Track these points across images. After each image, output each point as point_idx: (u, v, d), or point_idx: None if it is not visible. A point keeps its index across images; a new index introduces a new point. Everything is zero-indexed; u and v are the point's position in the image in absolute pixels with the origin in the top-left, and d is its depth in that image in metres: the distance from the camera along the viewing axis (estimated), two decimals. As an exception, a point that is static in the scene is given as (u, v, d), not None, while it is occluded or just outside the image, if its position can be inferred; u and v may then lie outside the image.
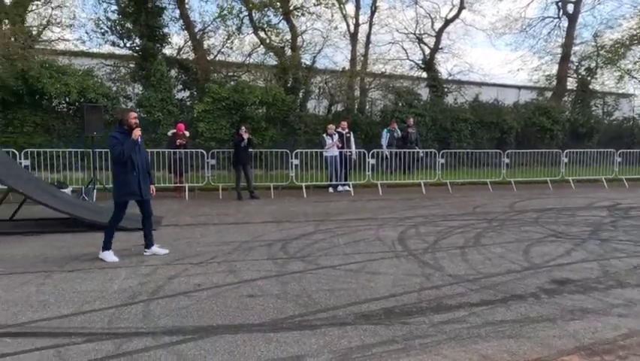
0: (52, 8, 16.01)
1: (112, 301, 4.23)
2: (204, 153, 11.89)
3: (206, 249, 6.25)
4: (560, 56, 21.23)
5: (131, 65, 15.86)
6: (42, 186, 8.29)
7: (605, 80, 21.64)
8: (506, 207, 9.93)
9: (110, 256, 5.61)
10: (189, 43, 17.06)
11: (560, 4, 21.38)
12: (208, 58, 16.96)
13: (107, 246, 5.65)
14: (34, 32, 15.19)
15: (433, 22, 20.29)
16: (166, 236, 6.83)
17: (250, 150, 11.47)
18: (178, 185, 11.46)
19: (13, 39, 13.18)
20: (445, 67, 26.15)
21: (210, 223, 8.18)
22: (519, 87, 25.14)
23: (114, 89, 15.05)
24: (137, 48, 15.49)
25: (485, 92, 19.96)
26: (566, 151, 14.12)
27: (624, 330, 3.68)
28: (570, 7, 20.98)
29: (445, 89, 19.59)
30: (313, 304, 4.26)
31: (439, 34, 20.11)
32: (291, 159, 12.38)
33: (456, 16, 20.06)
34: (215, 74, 16.75)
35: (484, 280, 4.89)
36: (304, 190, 12.15)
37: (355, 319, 3.93)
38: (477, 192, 12.62)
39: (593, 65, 21.20)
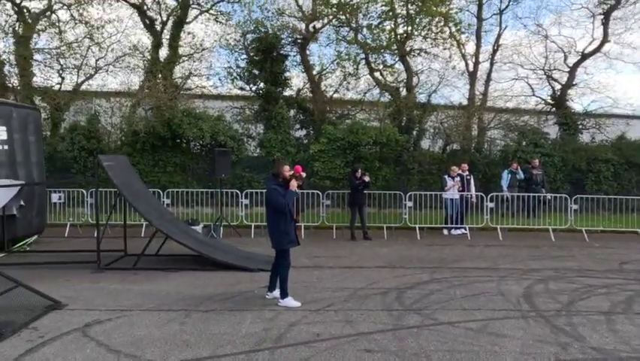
0: (194, 61, 18.15)
1: (241, 347, 4.50)
2: (319, 193, 12.33)
3: (323, 295, 6.38)
4: None
5: (255, 107, 17.14)
6: (180, 226, 9.32)
7: None
8: (660, 265, 8.67)
9: (291, 301, 5.89)
10: (308, 85, 18.02)
11: None
12: (324, 98, 17.71)
13: (285, 293, 5.93)
14: (179, 84, 17.29)
15: (566, 57, 18.80)
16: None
17: (365, 191, 11.63)
18: (297, 224, 11.97)
19: (163, 90, 15.13)
20: (580, 102, 23.84)
21: (325, 266, 8.35)
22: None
23: (240, 130, 16.39)
24: (260, 92, 16.74)
25: (635, 127, 17.75)
26: None
27: None
28: None
29: (580, 126, 17.92)
30: (430, 367, 4.10)
31: (572, 69, 18.46)
32: (405, 200, 12.26)
33: (597, 50, 18.32)
34: (331, 114, 17.42)
35: None
36: (417, 232, 11.89)
37: (480, 390, 3.69)
38: (622, 242, 11.15)
39: None
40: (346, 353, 4.35)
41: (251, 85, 17.17)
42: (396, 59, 17.48)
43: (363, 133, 15.02)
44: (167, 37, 17.19)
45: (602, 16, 17.91)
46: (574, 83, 18.47)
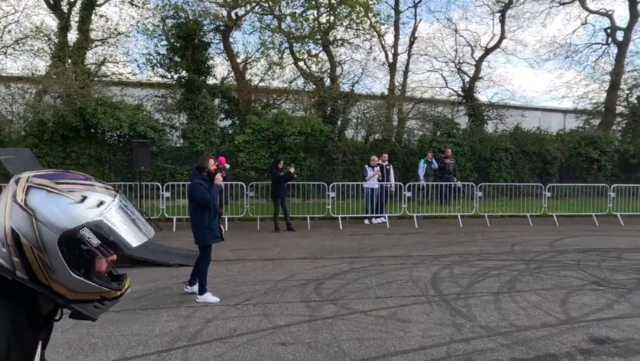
0: (109, 47, 17.19)
1: (153, 347, 4.49)
2: (244, 184, 12.34)
3: (243, 289, 6.48)
4: (608, 84, 20.57)
5: (178, 96, 16.65)
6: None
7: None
8: (546, 246, 9.69)
9: (210, 297, 5.88)
10: (232, 73, 17.79)
11: (608, 31, 20.81)
12: (250, 87, 17.60)
13: (203, 289, 5.90)
14: (91, 70, 16.30)
15: (473, 51, 20.26)
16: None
17: (290, 182, 11.83)
18: (221, 217, 11.90)
19: (74, 77, 14.21)
20: (485, 94, 25.79)
21: (248, 259, 8.45)
22: (564, 111, 24.48)
23: (161, 120, 15.85)
24: (183, 81, 16.29)
25: (528, 119, 19.56)
26: (613, 185, 13.61)
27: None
28: (620, 35, 20.38)
29: (485, 117, 19.40)
30: (343, 356, 4.36)
31: (478, 63, 20.03)
32: (328, 191, 12.60)
33: (496, 46, 19.93)
34: (256, 103, 17.37)
35: (516, 334, 4.85)
36: (340, 222, 12.29)
37: (383, 374, 4.01)
38: (517, 226, 12.33)
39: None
40: (261, 348, 4.50)
41: (172, 73, 16.64)
42: (320, 48, 17.75)
43: (288, 123, 15.14)
44: (76, 19, 16.11)
45: (500, 14, 19.43)
46: (480, 76, 19.94)
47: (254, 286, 6.59)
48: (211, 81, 17.18)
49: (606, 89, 20.60)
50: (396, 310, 5.61)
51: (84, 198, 1.13)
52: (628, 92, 20.69)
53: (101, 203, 1.14)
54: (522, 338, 4.77)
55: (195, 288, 6.09)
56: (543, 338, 4.77)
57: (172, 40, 16.26)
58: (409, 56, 19.51)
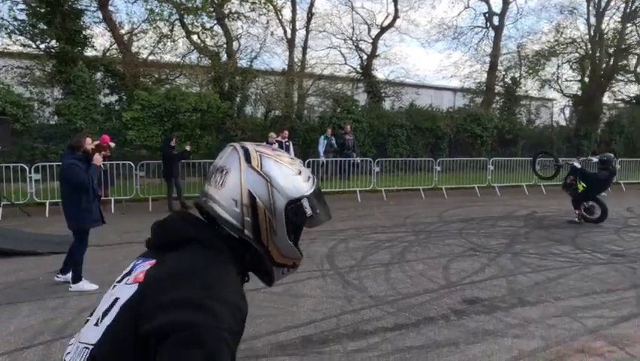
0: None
1: (4, 346, 3.95)
2: (132, 164, 11.48)
3: (127, 274, 6.00)
4: (488, 65, 22.30)
5: (48, 69, 14.85)
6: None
7: (529, 90, 23.04)
8: (435, 217, 10.29)
9: (86, 285, 5.40)
10: (115, 45, 16.28)
11: (487, 15, 22.47)
12: (137, 60, 16.22)
13: (78, 277, 5.41)
14: None
15: (369, 29, 20.72)
16: (85, 260, 6.49)
17: (189, 160, 11.28)
18: (103, 198, 10.96)
19: None
20: (383, 72, 26.90)
21: (135, 242, 7.84)
22: (454, 90, 26.13)
23: (27, 95, 14.05)
24: (52, 51, 14.54)
25: (422, 97, 20.54)
26: (492, 159, 14.84)
27: (515, 352, 3.92)
28: (496, 19, 22.11)
29: (383, 94, 20.05)
30: (231, 336, 4.21)
31: (375, 41, 20.55)
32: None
33: (391, 25, 20.57)
34: (146, 78, 16.16)
35: (401, 302, 5.04)
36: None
37: (272, 350, 3.93)
38: (410, 199, 12.95)
39: (518, 74, 22.47)
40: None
41: (38, 42, 14.74)
42: (214, 22, 16.96)
43: (181, 99, 14.32)
44: None
45: (392, -7, 20.13)
46: (376, 53, 20.56)
47: (140, 271, 6.14)
48: (90, 53, 15.58)
49: (486, 69, 22.32)
50: (290, 286, 5.55)
51: (300, 171, 1.22)
52: (504, 73, 22.63)
53: (309, 178, 1.23)
54: (406, 304, 4.97)
55: (69, 276, 5.52)
56: (425, 303, 5.02)
57: (34, 5, 14.34)
58: (307, 32, 19.42)
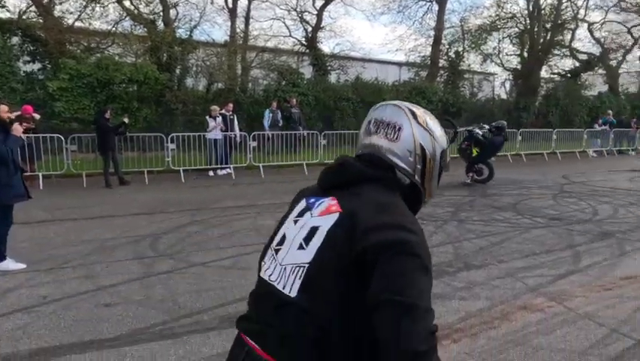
0: None
1: None
2: (62, 137, 10.66)
3: (60, 251, 5.57)
4: (432, 38, 22.60)
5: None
6: None
7: (471, 64, 23.68)
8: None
9: (11, 264, 4.97)
10: (33, 8, 14.81)
11: (431, -12, 22.65)
12: (61, 26, 14.86)
13: (2, 256, 4.96)
14: None
15: (314, 0, 20.28)
16: (10, 239, 5.92)
17: (119, 134, 10.62)
18: (30, 173, 10.14)
19: None
20: (328, 45, 26.59)
21: (68, 219, 7.34)
22: (399, 64, 26.37)
23: None
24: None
25: (368, 70, 20.55)
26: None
27: (462, 313, 3.99)
28: (439, -7, 22.35)
29: (329, 67, 19.85)
30: (178, 310, 4.00)
31: (320, 12, 20.16)
32: (167, 142, 11.63)
33: (336, -5, 20.25)
34: (73, 45, 14.93)
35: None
36: (182, 175, 11.53)
37: (220, 323, 3.77)
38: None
39: (461, 48, 22.98)
40: (79, 312, 3.89)
41: None
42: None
43: (115, 70, 13.45)
44: None
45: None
46: (321, 25, 20.24)
47: (74, 248, 5.73)
48: (3, 14, 14.16)
49: (431, 43, 22.64)
50: (238, 259, 5.38)
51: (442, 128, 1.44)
52: (448, 47, 23.07)
53: (442, 135, 1.43)
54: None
55: (6, 263, 5.02)
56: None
57: None
58: (250, 1, 18.74)
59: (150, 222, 7.15)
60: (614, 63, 25.70)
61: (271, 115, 14.26)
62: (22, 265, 4.97)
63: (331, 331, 1.18)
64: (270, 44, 19.24)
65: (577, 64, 25.03)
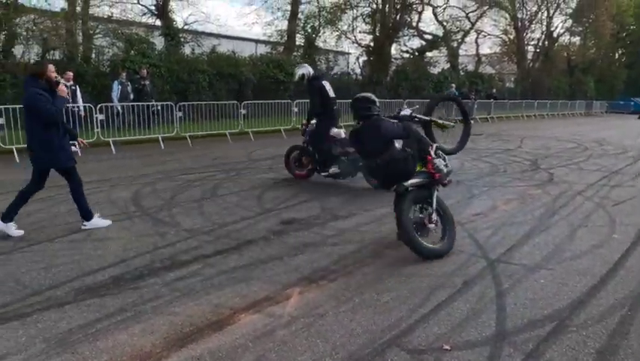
0: None
1: None
2: None
3: None
4: (289, 12, 22.83)
5: None
6: None
7: (327, 39, 24.65)
8: (244, 157, 10.36)
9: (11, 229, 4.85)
10: None
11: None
12: None
13: (10, 217, 4.86)
14: None
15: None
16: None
17: None
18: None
19: None
20: (181, 15, 25.19)
21: None
22: (256, 41, 26.20)
23: None
24: None
25: (224, 44, 20.09)
26: (295, 101, 15.52)
27: (335, 257, 4.30)
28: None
29: (182, 39, 18.89)
30: (22, 289, 3.61)
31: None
32: (-6, 117, 10.04)
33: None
34: None
35: (218, 231, 5.00)
36: (15, 154, 10.10)
37: (77, 295, 3.50)
38: (217, 144, 12.71)
39: (317, 24, 23.68)
40: None
41: None
42: None
43: None
44: None
45: None
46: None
47: None
48: None
49: (287, 17, 22.88)
50: (90, 232, 4.99)
51: None
52: (304, 22, 23.59)
53: None
54: (224, 232, 4.95)
55: (96, 220, 5.15)
56: (242, 229, 5.08)
57: None
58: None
59: (-22, 205, 6.18)
60: (454, 44, 29.60)
61: (120, 87, 13.13)
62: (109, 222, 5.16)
63: None
64: (115, 11, 17.56)
65: (423, 43, 28.23)
